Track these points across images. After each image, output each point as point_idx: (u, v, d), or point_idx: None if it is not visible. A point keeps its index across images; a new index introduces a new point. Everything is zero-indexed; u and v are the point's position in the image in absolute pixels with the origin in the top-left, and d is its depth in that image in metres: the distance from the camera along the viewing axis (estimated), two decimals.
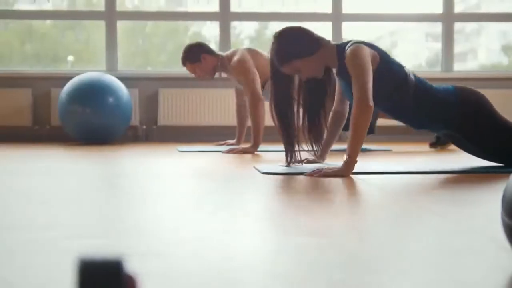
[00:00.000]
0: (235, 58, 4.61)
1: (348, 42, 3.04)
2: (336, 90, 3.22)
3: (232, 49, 4.87)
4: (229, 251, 1.38)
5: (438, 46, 6.65)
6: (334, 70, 3.11)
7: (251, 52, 4.65)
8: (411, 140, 5.70)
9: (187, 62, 4.77)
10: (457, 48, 6.60)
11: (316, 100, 3.14)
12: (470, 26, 7.39)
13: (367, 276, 1.18)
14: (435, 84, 3.10)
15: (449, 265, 1.26)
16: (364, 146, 5.04)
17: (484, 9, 6.95)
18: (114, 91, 5.39)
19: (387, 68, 2.98)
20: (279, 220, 1.79)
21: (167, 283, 1.13)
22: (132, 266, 1.21)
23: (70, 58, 6.79)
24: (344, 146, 4.89)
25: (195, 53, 4.73)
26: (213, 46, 5.28)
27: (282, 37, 3.07)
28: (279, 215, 1.86)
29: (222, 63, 4.73)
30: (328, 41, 3.10)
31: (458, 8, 6.52)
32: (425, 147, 4.83)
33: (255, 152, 4.37)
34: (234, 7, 6.32)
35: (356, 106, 2.83)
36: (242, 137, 4.99)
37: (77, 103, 5.30)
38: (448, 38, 6.35)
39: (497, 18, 6.82)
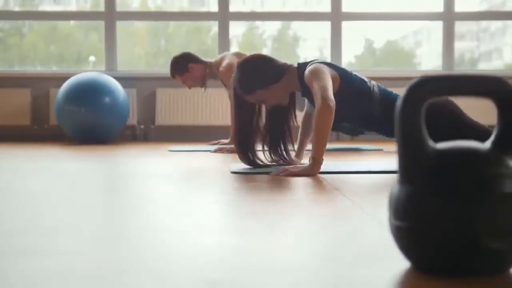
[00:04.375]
0: (224, 63, 4.64)
1: (308, 62, 3.04)
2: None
3: (220, 55, 4.90)
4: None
5: (462, 45, 6.54)
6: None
7: (239, 56, 4.65)
8: None
9: (176, 74, 4.86)
10: (482, 47, 6.50)
11: (278, 125, 3.14)
12: (494, 25, 7.27)
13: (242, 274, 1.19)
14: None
15: (342, 265, 1.26)
16: (356, 145, 5.05)
17: (509, 7, 6.80)
18: (110, 91, 5.42)
19: (349, 86, 2.98)
20: (208, 220, 1.79)
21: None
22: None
23: (92, 58, 6.86)
24: (337, 145, 4.92)
25: (182, 64, 4.81)
26: (234, 45, 5.23)
27: (245, 67, 3.04)
28: (218, 216, 1.87)
29: (210, 70, 4.80)
30: (291, 65, 3.09)
31: (483, 6, 6.40)
32: None
33: None
34: (257, 7, 6.34)
35: (317, 107, 2.81)
36: None
37: (73, 103, 5.34)
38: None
39: (497, 17, 6.76)
